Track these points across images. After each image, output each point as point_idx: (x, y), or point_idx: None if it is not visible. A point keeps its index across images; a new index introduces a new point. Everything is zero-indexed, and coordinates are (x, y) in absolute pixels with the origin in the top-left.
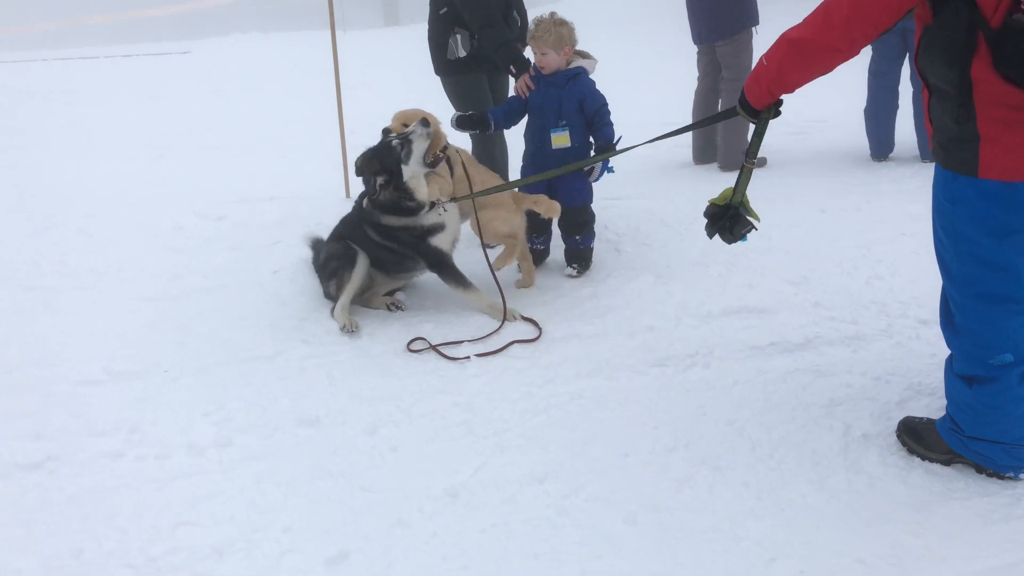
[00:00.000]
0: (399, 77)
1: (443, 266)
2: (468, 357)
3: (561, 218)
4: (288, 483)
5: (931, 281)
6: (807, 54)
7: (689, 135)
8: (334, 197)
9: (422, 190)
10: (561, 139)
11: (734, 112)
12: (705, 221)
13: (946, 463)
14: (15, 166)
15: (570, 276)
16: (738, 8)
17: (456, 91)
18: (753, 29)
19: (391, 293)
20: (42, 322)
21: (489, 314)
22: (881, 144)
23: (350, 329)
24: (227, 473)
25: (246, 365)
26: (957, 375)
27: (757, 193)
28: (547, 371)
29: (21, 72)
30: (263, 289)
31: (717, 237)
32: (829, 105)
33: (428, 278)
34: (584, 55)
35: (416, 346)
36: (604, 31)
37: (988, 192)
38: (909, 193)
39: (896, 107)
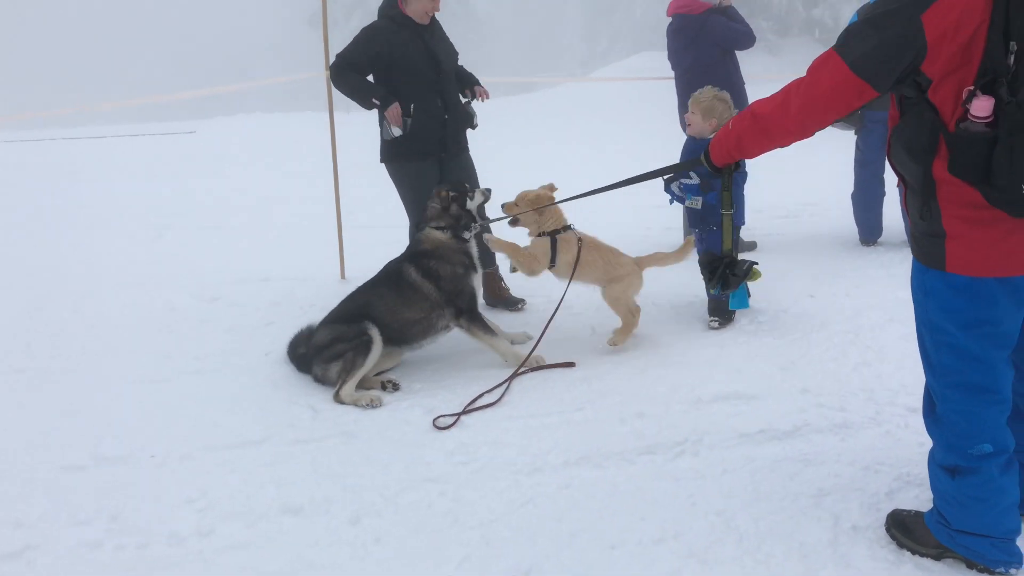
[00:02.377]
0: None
1: (472, 312)
2: (498, 399)
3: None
4: (270, 575)
5: (919, 368)
6: (765, 130)
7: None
8: (330, 278)
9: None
10: (693, 203)
11: (697, 163)
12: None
13: (936, 558)
14: (14, 244)
15: (712, 328)
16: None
17: (403, 179)
18: None
19: (379, 374)
20: (30, 405)
21: (509, 362)
22: (869, 230)
23: (378, 403)
24: (208, 563)
25: (232, 450)
26: (940, 466)
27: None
28: (536, 458)
29: (29, 151)
30: (254, 372)
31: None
32: (819, 189)
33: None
34: None
35: (442, 422)
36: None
37: (956, 285)
38: (898, 278)
39: (883, 193)
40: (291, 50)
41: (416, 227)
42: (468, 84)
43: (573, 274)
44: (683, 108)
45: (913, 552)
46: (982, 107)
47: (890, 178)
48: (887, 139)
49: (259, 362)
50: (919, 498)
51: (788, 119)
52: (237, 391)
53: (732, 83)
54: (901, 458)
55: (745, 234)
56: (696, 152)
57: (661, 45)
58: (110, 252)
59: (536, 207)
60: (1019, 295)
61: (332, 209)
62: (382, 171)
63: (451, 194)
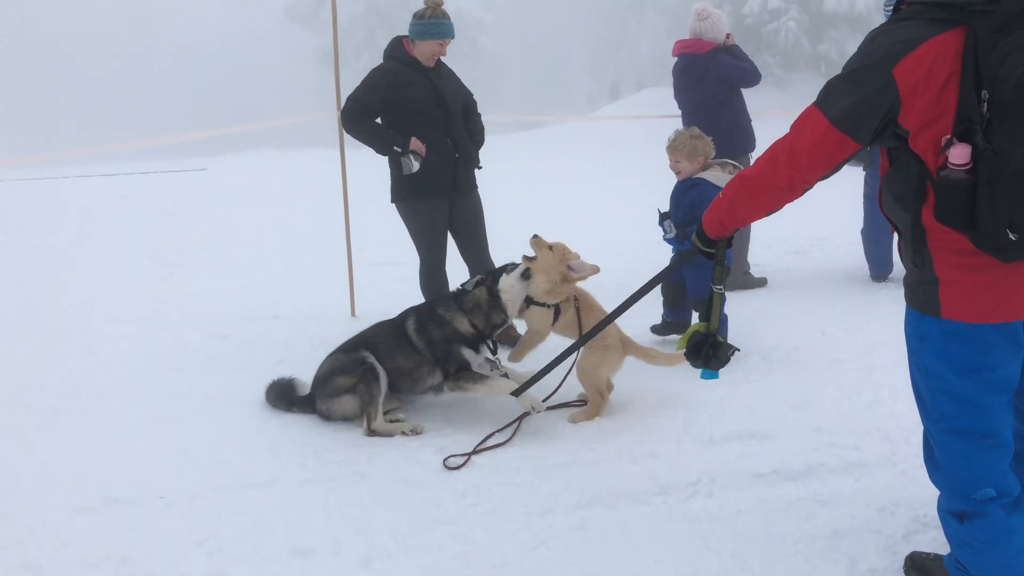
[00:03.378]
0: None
1: (461, 371)
2: (509, 439)
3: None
4: None
5: None
6: (755, 192)
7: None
8: (340, 316)
9: (513, 308)
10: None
11: (693, 253)
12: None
13: None
14: (25, 284)
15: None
16: (736, 135)
17: (413, 217)
18: (750, 155)
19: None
20: (40, 445)
21: (520, 400)
22: (880, 265)
23: (420, 430)
24: None
25: (243, 491)
26: (947, 511)
27: (758, 314)
28: (548, 499)
29: (42, 189)
30: (264, 411)
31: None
32: (829, 225)
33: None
34: (727, 167)
35: (452, 463)
36: (602, 154)
37: (951, 332)
38: None
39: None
40: (301, 89)
41: (451, 299)
42: (476, 141)
43: (554, 324)
44: None
45: None
46: (960, 154)
47: None
48: (878, 188)
49: None
50: (936, 540)
51: (776, 176)
52: (247, 431)
53: (739, 120)
54: (917, 499)
55: (755, 271)
56: (685, 194)
57: (667, 81)
58: (121, 290)
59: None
60: (1016, 340)
61: (342, 246)
62: (392, 208)
63: (488, 295)
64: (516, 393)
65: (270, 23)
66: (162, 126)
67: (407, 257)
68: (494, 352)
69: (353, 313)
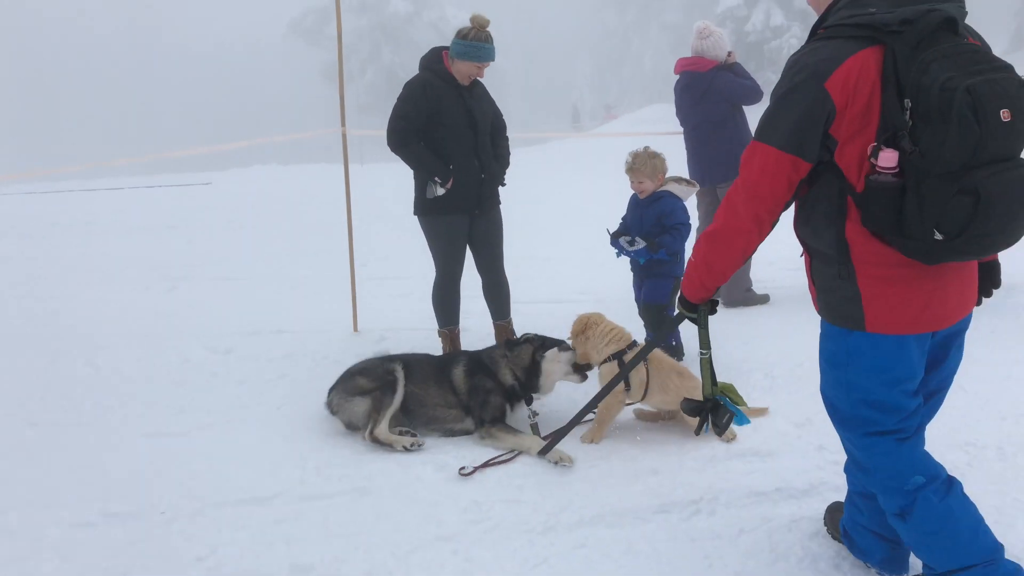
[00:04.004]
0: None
1: (496, 422)
2: (515, 455)
3: (652, 317)
4: None
5: (938, 425)
6: (724, 242)
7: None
8: (343, 331)
9: (548, 381)
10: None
11: (680, 319)
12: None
13: None
14: (30, 296)
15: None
16: (738, 152)
17: (433, 231)
18: None
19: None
20: (42, 460)
21: (534, 452)
22: None
23: (420, 444)
24: None
25: (243, 507)
26: (893, 516)
27: (761, 331)
28: (549, 517)
29: (47, 203)
30: (265, 426)
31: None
32: None
33: None
34: (681, 182)
35: (466, 470)
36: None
37: (877, 345)
38: None
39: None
40: (307, 104)
41: (501, 350)
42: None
43: (644, 396)
44: (693, 163)
45: None
46: (888, 159)
47: None
48: (795, 213)
49: (271, 416)
50: None
51: (739, 219)
52: (248, 446)
53: (741, 138)
54: None
55: (758, 287)
56: (650, 207)
57: (670, 97)
58: (124, 304)
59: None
60: (926, 346)
61: (345, 261)
62: (396, 223)
63: (528, 336)
64: (543, 452)
65: (275, 38)
66: (167, 140)
67: (409, 272)
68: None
69: (355, 328)
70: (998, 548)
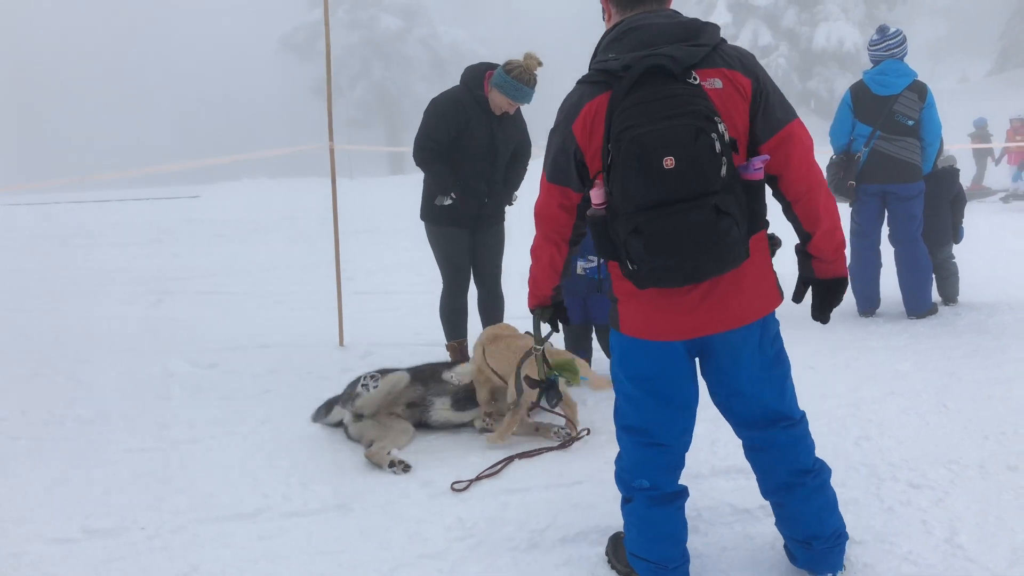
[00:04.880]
0: (402, 224)
1: None
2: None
3: (602, 337)
4: None
5: (921, 443)
6: (536, 256)
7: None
8: (328, 346)
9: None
10: (584, 268)
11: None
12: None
13: (625, 575)
14: (12, 309)
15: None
16: None
17: (436, 240)
18: None
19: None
20: (21, 475)
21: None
22: (867, 300)
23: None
24: None
25: (226, 523)
26: (621, 495)
27: None
28: (534, 534)
29: (33, 215)
30: (248, 441)
31: None
32: None
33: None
34: None
35: (458, 486)
36: None
37: (626, 344)
38: (897, 350)
39: (880, 264)
40: (296, 119)
41: None
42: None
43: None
44: None
45: (613, 568)
46: (596, 195)
47: (886, 249)
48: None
49: (255, 431)
50: (921, 575)
51: (540, 239)
52: (232, 461)
53: None
54: (902, 533)
55: None
56: None
57: None
58: (109, 317)
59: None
60: (678, 359)
61: (331, 275)
62: (384, 238)
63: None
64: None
65: (267, 53)
66: (157, 153)
67: (397, 287)
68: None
69: (341, 343)
70: (671, 561)
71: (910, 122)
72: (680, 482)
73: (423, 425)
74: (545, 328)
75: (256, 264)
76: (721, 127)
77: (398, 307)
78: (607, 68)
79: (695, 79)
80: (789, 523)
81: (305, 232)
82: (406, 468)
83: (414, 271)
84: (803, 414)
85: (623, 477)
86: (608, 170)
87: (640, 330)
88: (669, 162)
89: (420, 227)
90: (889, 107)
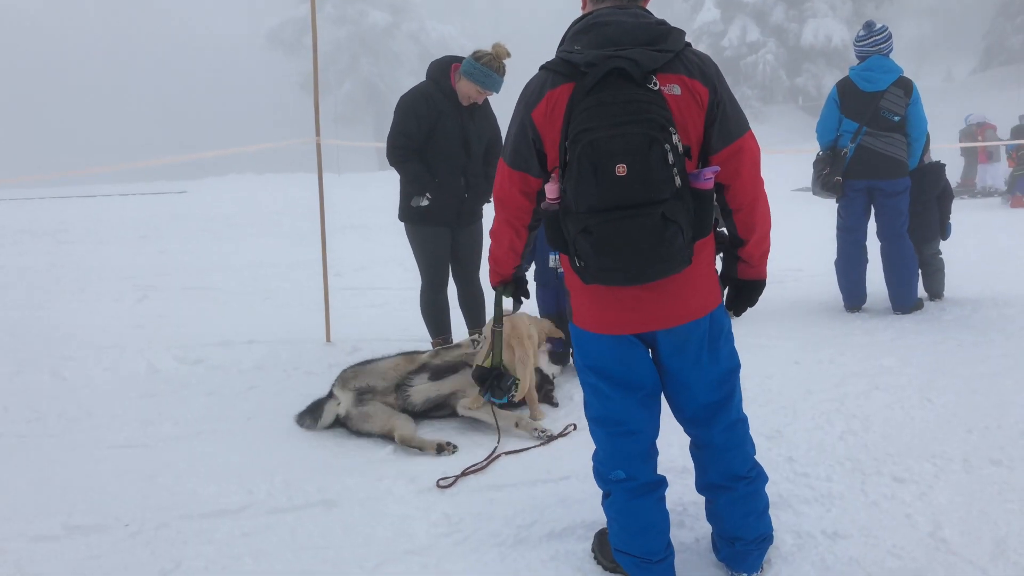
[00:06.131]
0: (389, 220)
1: None
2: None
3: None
4: None
5: (905, 438)
6: (496, 240)
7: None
8: (315, 342)
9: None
10: (557, 261)
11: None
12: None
13: (612, 571)
14: None
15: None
16: None
17: (417, 240)
18: None
19: None
20: (2, 472)
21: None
22: (853, 296)
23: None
24: None
25: (209, 519)
26: (601, 490)
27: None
28: (520, 530)
29: (16, 210)
30: (234, 437)
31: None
32: (804, 255)
33: None
34: None
35: (444, 483)
36: None
37: (579, 335)
38: (882, 345)
39: (866, 260)
40: (283, 114)
41: None
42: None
43: None
44: None
45: (598, 563)
46: (551, 190)
47: (872, 244)
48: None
49: (240, 427)
50: (905, 569)
51: (499, 224)
52: (216, 458)
53: None
54: (887, 527)
55: None
56: None
57: None
58: (93, 313)
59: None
60: (631, 349)
61: (318, 271)
62: (371, 234)
63: None
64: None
65: (253, 48)
66: (142, 148)
67: (385, 283)
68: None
69: (328, 339)
70: (654, 554)
71: (896, 118)
72: (667, 475)
73: (406, 411)
74: (508, 303)
75: (243, 260)
76: (675, 138)
77: (385, 302)
78: (571, 60)
79: (655, 84)
80: (715, 520)
81: (293, 228)
82: (455, 449)
83: (401, 267)
84: (744, 417)
85: (600, 471)
86: (563, 167)
87: (590, 323)
88: (621, 169)
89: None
90: (875, 103)
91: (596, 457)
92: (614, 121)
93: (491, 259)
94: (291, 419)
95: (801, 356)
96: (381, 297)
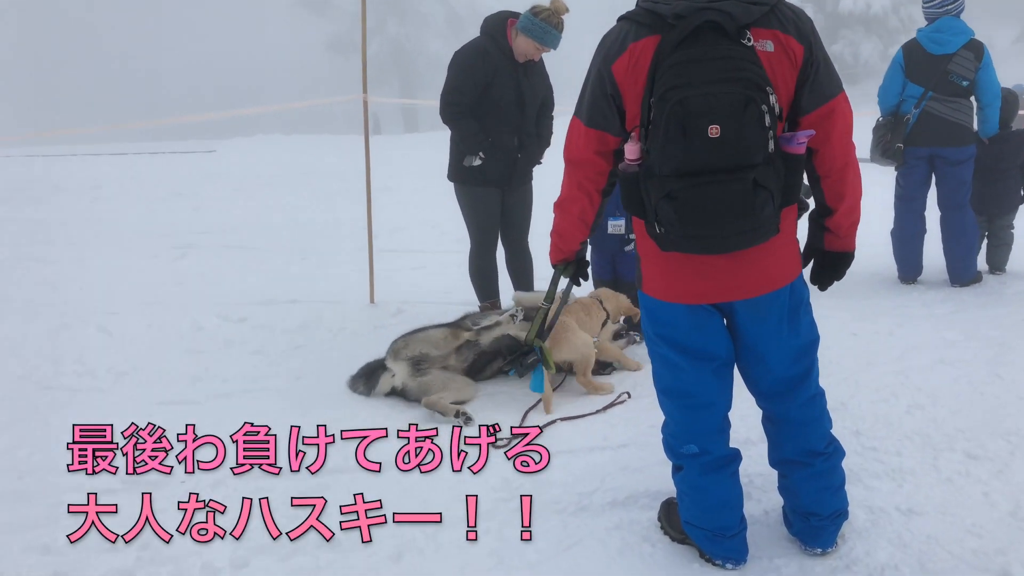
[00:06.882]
0: (420, 183)
1: None
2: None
3: (628, 293)
4: None
5: (977, 414)
6: (565, 209)
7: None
8: (357, 303)
9: None
10: (616, 227)
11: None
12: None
13: (680, 542)
14: (40, 260)
15: (633, 343)
16: None
17: (467, 201)
18: None
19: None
20: (56, 425)
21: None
22: (909, 267)
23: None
24: None
25: (265, 479)
26: (673, 464)
27: None
28: (581, 498)
29: (50, 166)
30: (285, 397)
31: None
32: (861, 224)
33: None
34: None
35: (500, 444)
36: None
37: (648, 303)
38: (942, 319)
39: (924, 231)
40: (310, 75)
41: None
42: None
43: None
44: None
45: (664, 533)
46: (631, 150)
47: (931, 215)
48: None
49: (290, 386)
50: (986, 549)
51: (569, 188)
52: (268, 416)
53: None
54: (964, 505)
55: None
56: None
57: None
58: (133, 270)
59: None
60: (705, 319)
61: (354, 231)
62: (404, 196)
63: None
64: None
65: (280, 7)
66: (169, 107)
67: (422, 245)
68: None
69: (372, 300)
70: (728, 529)
71: (965, 83)
72: (731, 445)
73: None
74: (562, 284)
75: (278, 219)
76: (772, 99)
77: (422, 265)
78: (657, 11)
79: (749, 40)
80: (789, 495)
81: (323, 189)
82: (468, 419)
83: (437, 229)
84: (822, 391)
85: (671, 444)
86: (646, 126)
87: (662, 292)
88: (714, 131)
89: (438, 186)
90: (943, 67)
91: (666, 430)
92: (707, 79)
93: (555, 234)
94: (340, 380)
95: (858, 327)
96: (417, 260)
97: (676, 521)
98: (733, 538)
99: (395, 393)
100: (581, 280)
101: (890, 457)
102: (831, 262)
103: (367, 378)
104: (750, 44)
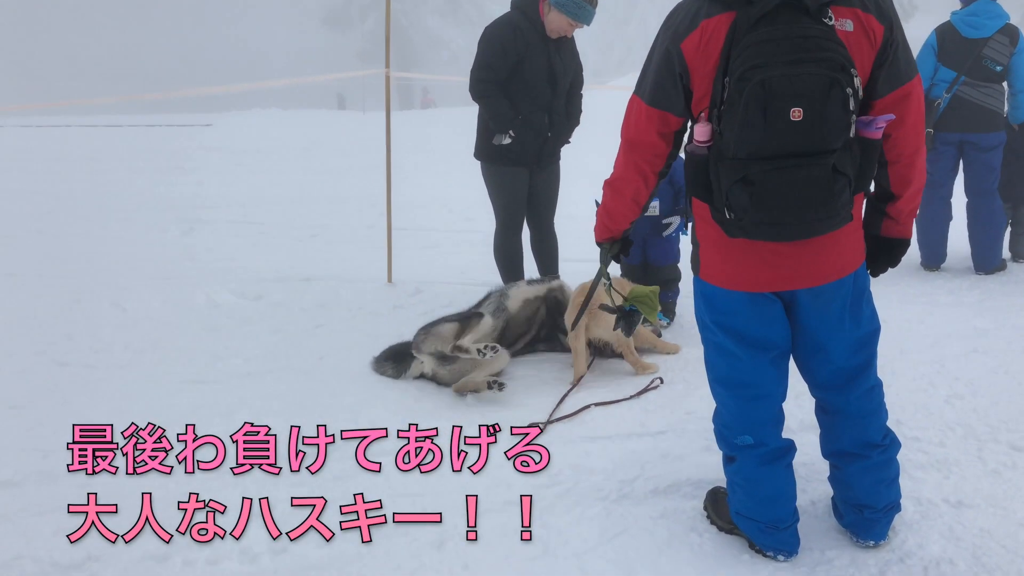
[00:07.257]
0: (423, 160)
1: None
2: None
3: (656, 278)
4: None
5: (1018, 404)
6: (617, 189)
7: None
8: (375, 281)
9: None
10: (653, 208)
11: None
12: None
13: (728, 532)
14: (43, 232)
15: (662, 327)
16: None
17: (494, 180)
18: None
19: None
20: (77, 402)
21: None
22: (933, 254)
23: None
24: None
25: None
26: (724, 455)
27: None
28: (623, 485)
29: (45, 137)
30: (309, 377)
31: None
32: None
33: None
34: None
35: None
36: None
37: (706, 290)
38: (971, 307)
39: (950, 217)
40: (304, 50)
41: None
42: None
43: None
44: None
45: (712, 523)
46: (701, 131)
47: (957, 202)
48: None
49: (312, 366)
50: None
51: (624, 169)
52: (291, 396)
53: None
54: (1014, 498)
55: None
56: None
57: None
58: (141, 244)
59: None
60: (766, 308)
61: (361, 208)
62: (406, 173)
63: None
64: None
65: None
66: (163, 80)
67: (435, 225)
68: None
69: (390, 279)
70: (781, 522)
71: (998, 68)
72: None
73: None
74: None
75: (282, 195)
76: (856, 81)
77: (437, 244)
78: None
79: (830, 18)
80: (842, 486)
81: (325, 164)
82: (501, 386)
83: (445, 208)
84: (880, 382)
85: (724, 434)
86: (719, 106)
87: (723, 279)
88: (797, 114)
89: (444, 164)
90: (978, 51)
91: (719, 420)
92: (789, 59)
93: (604, 212)
94: (364, 361)
95: (886, 314)
96: (432, 238)
97: (724, 511)
98: (786, 530)
99: (424, 378)
100: (622, 256)
101: (934, 448)
102: (888, 249)
103: (395, 361)
104: (831, 23)
